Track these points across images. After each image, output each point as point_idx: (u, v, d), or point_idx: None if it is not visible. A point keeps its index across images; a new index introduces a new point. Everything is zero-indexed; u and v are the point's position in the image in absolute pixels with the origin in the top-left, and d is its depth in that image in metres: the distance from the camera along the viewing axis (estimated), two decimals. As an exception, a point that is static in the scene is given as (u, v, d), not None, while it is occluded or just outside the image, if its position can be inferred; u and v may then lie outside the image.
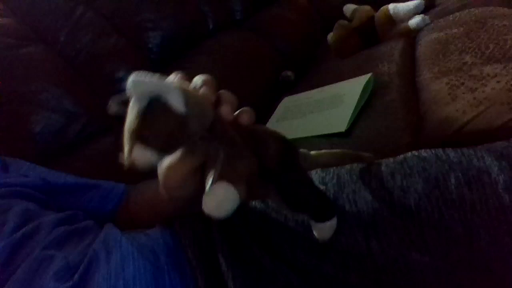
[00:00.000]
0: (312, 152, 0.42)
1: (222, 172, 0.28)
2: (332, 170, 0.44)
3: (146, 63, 1.10)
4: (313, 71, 1.36)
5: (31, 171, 0.53)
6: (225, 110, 0.31)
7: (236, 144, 0.30)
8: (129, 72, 0.25)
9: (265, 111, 1.08)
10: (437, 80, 0.82)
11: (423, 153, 0.41)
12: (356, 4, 1.31)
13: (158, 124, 0.26)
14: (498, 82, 0.68)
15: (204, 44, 1.27)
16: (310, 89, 1.04)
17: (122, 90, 0.26)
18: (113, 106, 0.29)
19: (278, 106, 1.05)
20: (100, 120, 0.88)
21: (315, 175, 0.44)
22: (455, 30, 0.98)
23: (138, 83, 0.25)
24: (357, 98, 0.84)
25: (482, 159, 0.37)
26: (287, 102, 1.06)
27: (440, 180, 0.37)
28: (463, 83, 0.74)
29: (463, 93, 0.72)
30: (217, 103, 0.31)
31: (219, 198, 0.27)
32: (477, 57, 0.80)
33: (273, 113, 1.03)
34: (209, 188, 0.27)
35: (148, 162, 0.26)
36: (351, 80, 0.95)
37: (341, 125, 0.78)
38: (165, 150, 0.27)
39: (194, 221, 0.44)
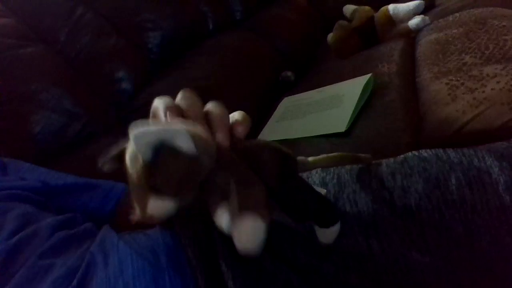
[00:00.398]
0: (310, 159, 0.41)
1: (242, 202, 0.26)
2: (332, 170, 0.44)
3: (146, 63, 1.09)
4: (313, 71, 1.36)
5: (30, 173, 0.53)
6: (220, 137, 0.29)
7: (241, 168, 0.29)
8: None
9: (265, 111, 1.08)
10: (437, 80, 0.82)
11: (424, 153, 0.41)
12: (356, 4, 1.31)
13: (169, 170, 0.25)
14: (498, 82, 0.68)
15: (204, 44, 1.27)
16: (310, 89, 1.04)
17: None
18: (106, 164, 0.28)
19: (278, 106, 1.05)
20: (100, 120, 0.88)
21: (316, 175, 0.44)
22: (455, 31, 0.98)
23: (142, 134, 0.24)
24: (357, 99, 0.84)
25: (482, 160, 0.37)
26: (287, 102, 1.06)
27: (440, 180, 0.37)
28: (463, 84, 0.74)
29: (463, 93, 0.72)
30: (209, 127, 0.30)
31: (247, 230, 0.25)
32: (476, 57, 0.80)
33: (273, 113, 1.03)
34: (233, 223, 0.26)
35: (167, 211, 0.25)
36: (351, 80, 0.95)
37: (341, 125, 0.78)
38: (181, 194, 0.26)
39: (194, 221, 0.44)
